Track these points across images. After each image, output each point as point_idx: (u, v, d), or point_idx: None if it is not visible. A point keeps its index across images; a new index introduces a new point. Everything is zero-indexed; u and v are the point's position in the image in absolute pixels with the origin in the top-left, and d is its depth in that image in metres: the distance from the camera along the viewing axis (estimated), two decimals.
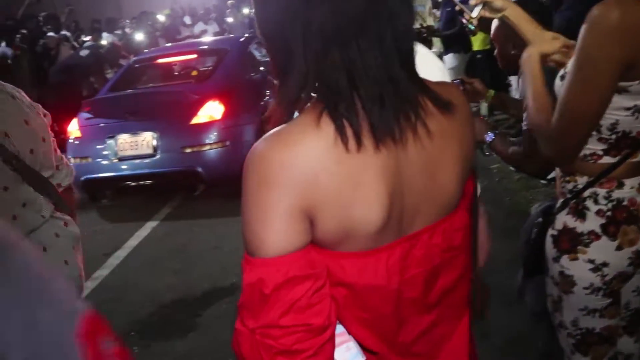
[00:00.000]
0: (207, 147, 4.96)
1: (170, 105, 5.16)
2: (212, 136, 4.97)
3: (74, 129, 5.38)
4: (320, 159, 0.77)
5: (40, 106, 1.86)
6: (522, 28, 1.53)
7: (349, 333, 0.88)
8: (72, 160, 5.28)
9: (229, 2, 16.76)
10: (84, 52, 9.12)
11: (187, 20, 14.99)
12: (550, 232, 1.50)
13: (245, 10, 17.11)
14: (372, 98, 0.78)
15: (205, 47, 6.73)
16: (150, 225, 5.06)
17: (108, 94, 5.72)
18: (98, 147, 5.19)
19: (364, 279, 0.83)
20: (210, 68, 5.93)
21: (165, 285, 3.94)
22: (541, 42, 1.49)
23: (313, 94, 0.81)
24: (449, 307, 0.94)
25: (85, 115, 5.40)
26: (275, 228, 0.77)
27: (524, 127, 1.73)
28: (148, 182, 5.17)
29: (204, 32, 13.77)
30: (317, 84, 0.80)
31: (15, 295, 0.50)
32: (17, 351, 0.47)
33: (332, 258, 0.82)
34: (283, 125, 0.81)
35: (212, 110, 5.01)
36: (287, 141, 0.78)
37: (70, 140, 5.38)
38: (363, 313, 0.86)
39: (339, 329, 0.86)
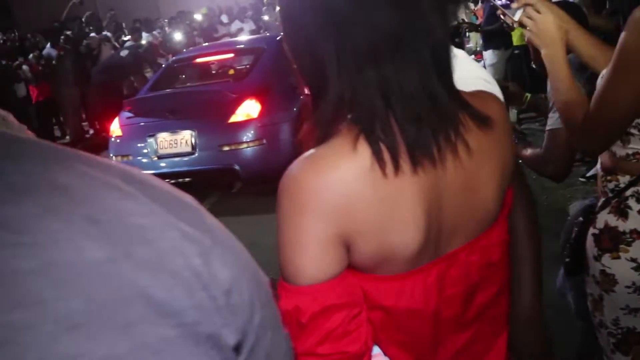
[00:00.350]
0: (244, 146, 5.04)
1: (208, 104, 5.25)
2: (249, 134, 5.04)
3: (115, 128, 5.52)
4: (356, 184, 0.75)
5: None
6: (583, 51, 1.50)
7: (386, 354, 0.87)
8: (114, 158, 5.44)
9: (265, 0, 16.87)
10: (123, 53, 9.35)
11: (224, 18, 15.13)
12: (592, 230, 1.50)
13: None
14: (409, 118, 0.76)
15: (242, 46, 6.80)
16: None
17: (148, 94, 5.85)
18: (139, 145, 5.32)
19: (401, 301, 0.82)
20: (247, 67, 6.00)
21: None
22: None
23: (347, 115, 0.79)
24: (487, 323, 0.92)
25: (127, 114, 5.54)
26: (310, 256, 0.76)
27: (547, 128, 1.72)
28: (187, 179, 5.27)
29: (240, 31, 13.90)
30: (352, 105, 0.77)
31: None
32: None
33: (369, 281, 0.81)
34: (317, 149, 0.78)
35: (249, 109, 5.08)
36: (322, 166, 0.76)
37: (112, 139, 5.54)
38: (400, 335, 0.85)
39: (375, 349, 0.85)
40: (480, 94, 0.89)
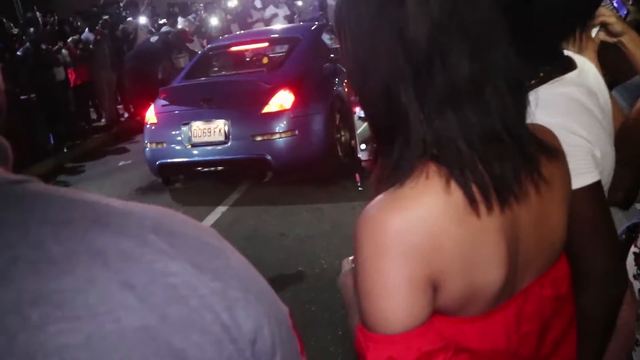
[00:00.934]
0: (277, 136, 5.07)
1: (242, 94, 5.29)
2: (281, 125, 5.07)
3: (150, 115, 5.61)
4: (441, 222, 0.73)
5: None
6: (638, 56, 1.48)
7: None
8: (148, 145, 5.54)
9: None
10: (153, 39, 9.44)
11: (258, 4, 15.14)
12: (633, 249, 1.49)
13: None
14: (492, 157, 0.76)
15: (277, 35, 6.81)
16: (220, 210, 5.24)
17: (183, 82, 5.92)
18: (173, 133, 5.40)
19: (486, 342, 0.80)
20: (282, 57, 6.02)
21: None
22: None
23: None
24: (560, 358, 0.92)
25: (162, 102, 5.61)
26: (400, 301, 0.73)
27: None
28: (219, 168, 5.34)
29: (274, 16, 13.89)
30: (434, 147, 0.76)
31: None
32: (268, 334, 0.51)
33: (453, 324, 0.80)
34: (396, 188, 0.77)
35: (282, 100, 5.10)
36: (406, 205, 0.74)
37: (147, 126, 5.62)
38: None
39: None
40: (539, 127, 0.89)
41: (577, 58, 1.15)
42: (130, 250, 0.45)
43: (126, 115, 10.27)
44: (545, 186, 0.82)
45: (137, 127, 9.13)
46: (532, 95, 1.04)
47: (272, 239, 4.48)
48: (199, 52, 6.90)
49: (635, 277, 1.47)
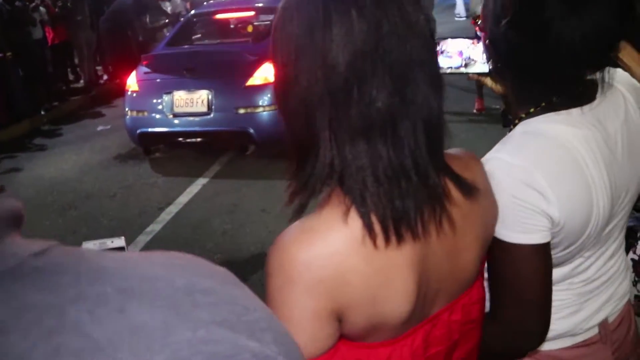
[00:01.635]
0: (260, 109, 5.02)
1: (226, 65, 5.21)
2: (265, 98, 5.01)
3: (132, 82, 5.50)
4: (348, 257, 0.75)
5: None
6: (636, 72, 1.47)
7: None
8: (129, 113, 5.44)
9: None
10: None
11: None
12: (631, 255, 1.50)
13: None
14: (397, 193, 0.77)
15: (264, 4, 6.68)
16: (200, 182, 5.20)
17: (166, 49, 5.79)
18: (155, 101, 5.31)
19: None
20: (267, 27, 5.90)
21: (214, 245, 4.09)
22: None
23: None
24: None
25: (144, 69, 5.50)
26: (304, 332, 0.75)
27: None
28: (200, 139, 5.28)
29: None
30: (342, 174, 0.78)
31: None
32: None
33: (359, 349, 0.81)
34: (307, 219, 0.79)
35: (267, 73, 5.03)
36: (313, 239, 0.76)
37: (129, 94, 5.51)
38: None
39: None
40: (462, 156, 0.91)
41: (615, 80, 1.06)
42: (170, 322, 0.44)
43: (105, 77, 10.05)
44: (459, 223, 0.83)
45: (117, 90, 8.97)
46: (519, 127, 1.03)
47: (253, 215, 4.47)
48: (182, 18, 6.71)
49: (633, 283, 1.49)
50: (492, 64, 1.11)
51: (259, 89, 5.03)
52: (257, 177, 5.12)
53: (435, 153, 0.81)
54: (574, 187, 0.97)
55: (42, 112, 8.21)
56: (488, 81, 1.27)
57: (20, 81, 7.99)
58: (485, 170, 0.93)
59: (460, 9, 14.89)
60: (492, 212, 0.93)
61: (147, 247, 4.16)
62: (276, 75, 0.84)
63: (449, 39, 1.24)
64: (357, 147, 0.76)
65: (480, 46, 1.20)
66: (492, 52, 1.08)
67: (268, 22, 6.11)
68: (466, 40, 1.23)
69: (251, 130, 5.01)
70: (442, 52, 1.23)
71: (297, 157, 0.83)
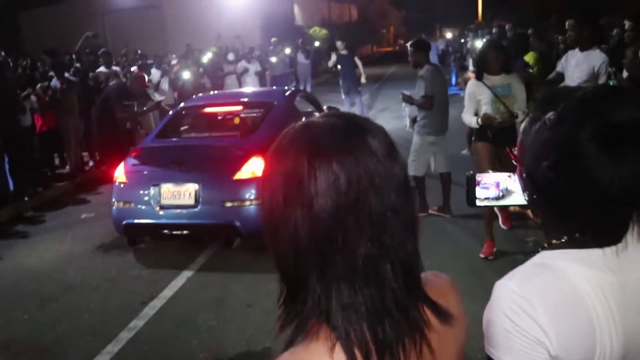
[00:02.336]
0: (247, 203, 5.08)
1: (214, 159, 5.32)
2: (252, 192, 5.09)
3: (120, 173, 5.56)
4: None
5: None
6: None
7: None
8: (116, 203, 5.47)
9: (273, 39, 17.13)
10: (113, 84, 9.32)
11: (230, 56, 15.38)
12: None
13: (287, 50, 17.48)
14: (380, 328, 0.84)
15: (252, 99, 6.90)
16: (185, 275, 5.17)
17: (155, 142, 5.90)
18: (142, 193, 5.36)
19: None
20: (255, 122, 6.08)
21: (199, 342, 4.02)
22: None
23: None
24: None
25: (132, 161, 5.59)
26: None
27: None
28: (186, 232, 5.30)
29: (246, 71, 14.12)
30: (328, 313, 0.84)
31: None
32: None
33: None
34: (295, 351, 0.86)
35: (254, 167, 5.14)
36: None
37: (116, 184, 5.56)
38: None
39: None
40: (438, 283, 1.00)
41: None
42: None
43: (91, 164, 10.12)
44: (438, 346, 0.90)
45: (102, 177, 9.03)
46: (537, 257, 1.09)
47: (238, 310, 4.43)
48: (171, 112, 6.88)
49: None
50: (527, 195, 1.15)
51: (246, 183, 5.12)
52: (243, 271, 5.11)
53: (414, 288, 0.89)
54: (575, 325, 1.00)
55: (26, 199, 8.18)
56: (529, 213, 1.30)
57: (5, 168, 8.02)
58: (458, 295, 1.03)
59: None
60: (463, 336, 1.01)
61: (130, 344, 4.07)
62: (264, 219, 0.91)
63: (488, 172, 1.31)
64: (342, 288, 0.84)
65: (516, 178, 1.24)
66: (529, 186, 1.13)
67: (255, 116, 6.30)
68: (504, 173, 1.29)
69: (238, 224, 5.05)
70: (479, 184, 1.30)
71: (286, 288, 0.90)
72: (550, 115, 1.04)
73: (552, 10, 32.91)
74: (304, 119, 0.97)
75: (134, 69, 10.98)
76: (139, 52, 11.13)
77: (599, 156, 0.97)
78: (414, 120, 6.52)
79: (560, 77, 5.63)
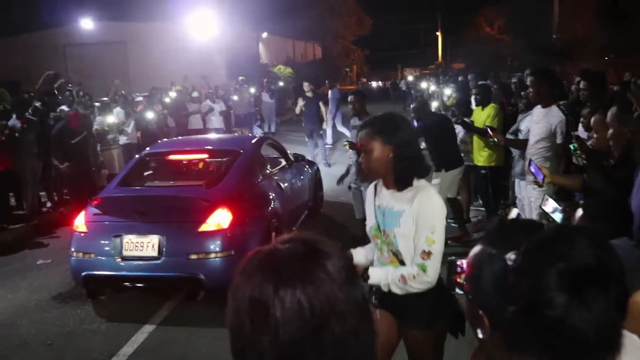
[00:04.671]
0: (212, 256, 5.00)
1: (179, 210, 5.24)
2: (218, 244, 5.01)
3: (80, 223, 5.41)
4: None
5: None
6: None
7: None
8: (75, 254, 5.30)
9: (240, 78, 17.21)
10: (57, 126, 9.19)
11: (195, 93, 15.35)
12: None
13: (252, 90, 17.57)
14: None
15: (217, 146, 6.87)
16: (147, 330, 5.00)
17: (117, 190, 5.77)
18: (102, 243, 5.21)
19: None
20: (221, 170, 6.03)
21: None
22: None
23: None
24: None
25: (93, 210, 5.44)
26: None
27: None
28: (149, 285, 5.17)
29: (210, 110, 14.09)
30: None
31: None
32: None
33: None
34: None
35: (220, 219, 5.08)
36: None
37: (76, 234, 5.40)
38: None
39: None
40: None
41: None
42: None
43: (49, 204, 9.84)
44: None
45: (60, 219, 8.79)
46: None
47: None
48: (136, 157, 6.78)
49: None
50: (481, 332, 1.14)
51: (212, 235, 5.04)
52: (208, 325, 4.97)
53: None
54: None
55: None
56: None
57: None
58: None
59: None
60: None
61: None
62: (231, 340, 1.00)
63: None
64: None
65: None
66: (485, 319, 1.12)
67: (221, 165, 6.25)
68: None
69: (202, 277, 4.95)
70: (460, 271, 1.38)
71: None
72: (511, 256, 1.05)
73: (507, 55, 34.25)
74: (268, 246, 1.03)
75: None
76: (81, 93, 10.90)
77: (570, 303, 0.98)
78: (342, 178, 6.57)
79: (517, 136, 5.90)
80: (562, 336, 0.99)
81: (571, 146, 4.14)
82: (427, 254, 2.41)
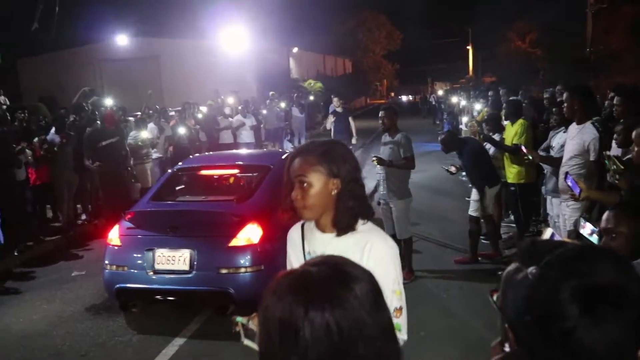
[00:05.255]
0: (242, 270, 5.05)
1: (210, 225, 5.31)
2: (247, 259, 5.06)
3: (114, 236, 5.52)
4: None
5: None
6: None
7: None
8: (108, 267, 5.41)
9: (271, 93, 17.40)
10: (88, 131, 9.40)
11: (227, 110, 15.57)
12: None
13: (282, 104, 17.74)
14: None
15: (248, 162, 6.93)
16: (177, 343, 5.07)
17: (150, 205, 5.87)
18: (135, 257, 5.31)
19: None
20: (252, 186, 6.08)
21: None
22: None
23: None
24: None
25: (127, 224, 5.56)
26: None
27: None
28: (179, 298, 5.24)
29: (242, 125, 14.27)
30: None
31: None
32: None
33: None
34: None
35: (250, 234, 5.13)
36: None
37: (109, 247, 5.51)
38: None
39: None
40: None
41: None
42: None
43: (84, 217, 10.07)
44: None
45: (94, 231, 8.99)
46: None
47: None
48: (168, 171, 6.90)
49: None
50: (509, 345, 1.18)
51: (242, 249, 5.09)
52: (237, 340, 5.00)
53: None
54: None
55: (16, 253, 8.09)
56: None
57: None
58: None
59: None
60: None
61: None
62: (261, 356, 1.01)
63: None
64: None
65: None
66: (511, 337, 1.14)
67: (252, 180, 6.31)
68: None
69: (232, 291, 5.00)
70: None
71: None
72: (532, 269, 1.07)
73: (539, 69, 33.83)
74: (298, 268, 1.06)
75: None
76: (115, 107, 11.21)
77: (581, 317, 0.99)
78: (372, 194, 6.55)
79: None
80: (571, 352, 1.01)
81: (607, 163, 4.09)
82: (399, 310, 2.00)
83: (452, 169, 7.07)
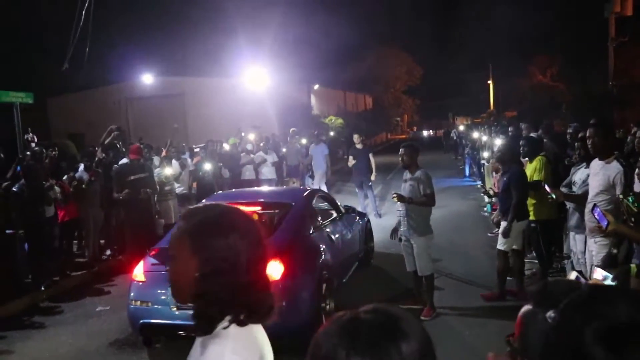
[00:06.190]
0: None
1: None
2: None
3: (139, 272, 5.64)
4: None
5: None
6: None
7: None
8: (133, 302, 5.51)
9: (291, 130, 17.63)
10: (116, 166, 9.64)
11: (249, 146, 15.81)
12: None
13: (303, 141, 17.93)
14: None
15: (270, 199, 7.05)
16: None
17: None
18: (160, 293, 5.40)
19: None
20: (273, 223, 6.19)
21: None
22: None
23: None
24: None
25: (151, 260, 5.68)
26: None
27: None
28: None
29: (263, 161, 14.46)
30: None
31: None
32: None
33: None
34: None
35: (271, 270, 5.19)
36: None
37: (134, 283, 5.63)
38: None
39: None
40: None
41: None
42: None
43: (109, 252, 10.24)
44: None
45: (119, 267, 9.13)
46: None
47: None
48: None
49: None
50: None
51: None
52: None
53: None
54: None
55: (43, 288, 8.25)
56: None
57: (25, 257, 8.16)
58: None
59: None
60: None
61: None
62: None
63: None
64: None
65: None
66: None
67: (273, 217, 6.41)
68: None
69: None
70: None
71: None
72: (551, 313, 1.10)
73: (563, 101, 33.74)
74: (353, 311, 1.07)
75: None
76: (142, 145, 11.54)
77: (608, 358, 1.00)
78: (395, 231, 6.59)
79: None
80: None
81: (630, 199, 4.06)
82: None
83: (491, 192, 7.14)
